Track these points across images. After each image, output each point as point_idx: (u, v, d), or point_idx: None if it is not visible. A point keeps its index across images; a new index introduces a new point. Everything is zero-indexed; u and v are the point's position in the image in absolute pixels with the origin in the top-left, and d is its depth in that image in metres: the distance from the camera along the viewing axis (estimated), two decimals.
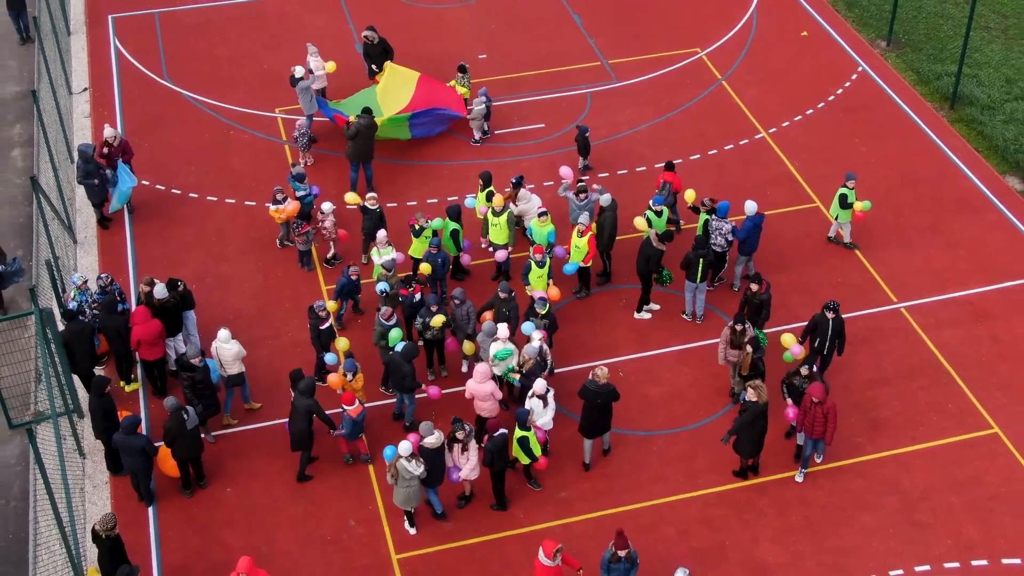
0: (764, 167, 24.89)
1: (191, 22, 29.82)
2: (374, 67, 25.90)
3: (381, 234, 20.81)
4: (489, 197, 21.79)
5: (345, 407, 17.97)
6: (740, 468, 18.61)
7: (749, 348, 18.81)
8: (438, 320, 19.26)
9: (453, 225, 21.25)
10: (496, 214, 21.34)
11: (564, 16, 29.97)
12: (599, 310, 21.63)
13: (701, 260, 20.37)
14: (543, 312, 19.42)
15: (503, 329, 18.72)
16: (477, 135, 25.49)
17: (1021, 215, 23.69)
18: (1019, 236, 23.21)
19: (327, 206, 21.95)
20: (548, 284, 20.50)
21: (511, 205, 21.81)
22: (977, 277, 22.25)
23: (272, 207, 22.13)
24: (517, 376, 18.72)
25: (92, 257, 22.83)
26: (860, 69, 27.94)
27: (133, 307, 20.09)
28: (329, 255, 22.51)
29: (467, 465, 17.50)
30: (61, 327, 19.24)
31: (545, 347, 18.95)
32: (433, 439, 17.09)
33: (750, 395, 17.67)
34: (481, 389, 18.15)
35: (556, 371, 20.14)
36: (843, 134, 25.86)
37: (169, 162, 25.14)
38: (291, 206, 22.02)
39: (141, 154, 24.83)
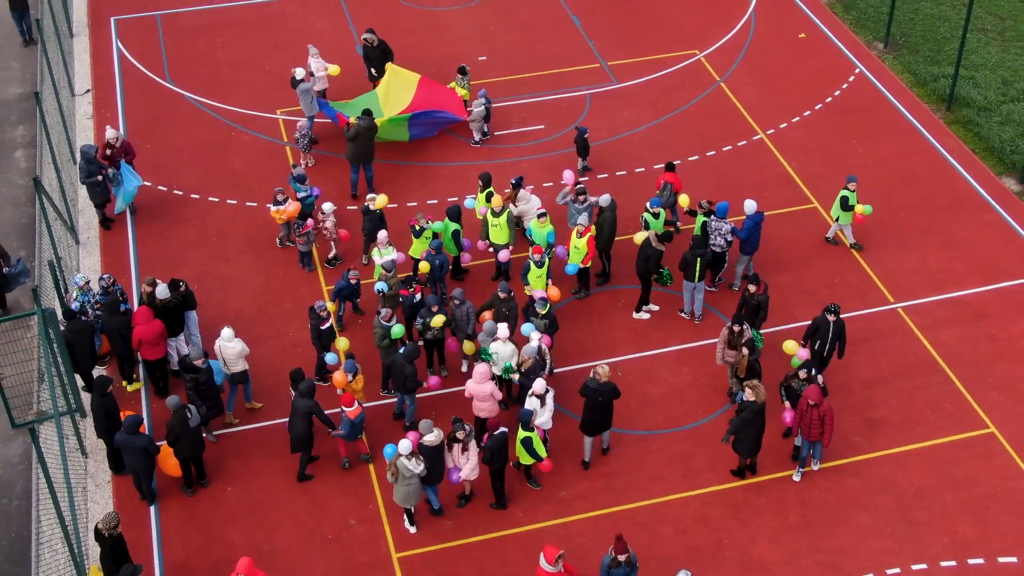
0: (762, 168, 24.90)
1: (193, 24, 29.84)
2: (374, 70, 25.91)
3: (382, 234, 20.82)
4: (489, 198, 21.79)
5: (344, 408, 17.97)
6: (738, 467, 18.62)
7: (745, 351, 18.80)
8: (438, 320, 19.27)
9: (454, 226, 21.26)
10: (495, 214, 21.34)
11: (563, 18, 29.98)
12: (598, 310, 21.64)
13: (698, 260, 20.38)
14: (543, 312, 19.42)
15: (503, 329, 18.73)
16: (477, 136, 25.50)
17: (1017, 215, 23.69)
18: (1015, 236, 23.22)
19: (328, 206, 21.96)
20: (547, 284, 20.50)
21: (510, 206, 21.82)
22: (974, 277, 22.25)
23: (273, 208, 22.13)
24: (516, 376, 18.73)
25: (94, 258, 22.84)
26: (857, 71, 27.95)
27: (135, 307, 20.10)
28: (330, 255, 22.52)
29: (467, 465, 17.51)
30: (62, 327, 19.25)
31: (544, 347, 18.95)
32: (432, 437, 17.10)
33: (748, 395, 17.67)
34: (480, 390, 18.16)
35: (556, 371, 20.15)
36: (841, 135, 25.87)
37: (171, 163, 25.15)
38: (292, 207, 22.03)
39: (143, 155, 24.84)
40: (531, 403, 18.01)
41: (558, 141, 25.64)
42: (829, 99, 27.02)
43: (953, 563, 17.43)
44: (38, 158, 25.48)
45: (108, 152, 23.03)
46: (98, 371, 20.31)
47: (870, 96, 27.11)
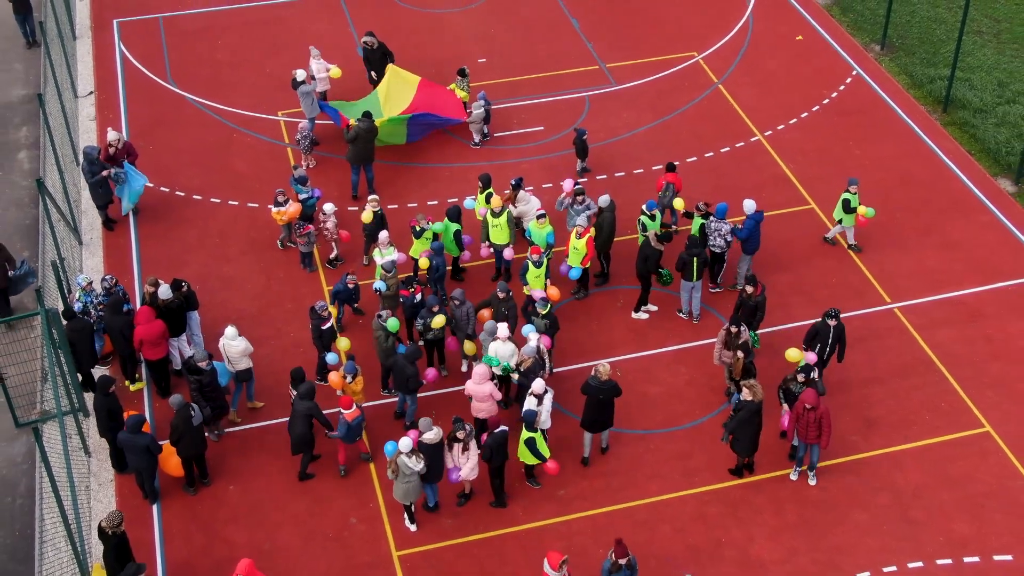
0: (760, 169, 24.91)
1: (195, 26, 29.84)
2: (374, 73, 25.91)
3: (383, 235, 20.83)
4: (488, 199, 21.80)
5: (342, 411, 17.95)
6: (736, 466, 18.62)
7: (740, 354, 18.77)
8: (439, 321, 19.28)
9: (455, 226, 21.26)
10: (495, 215, 21.35)
11: (563, 21, 29.98)
12: (597, 310, 21.64)
13: (695, 259, 20.40)
14: (544, 312, 19.44)
15: (503, 329, 18.74)
16: (477, 138, 25.50)
17: (1013, 216, 23.70)
18: (1011, 237, 23.23)
19: (329, 207, 21.96)
20: (546, 284, 20.51)
21: (510, 207, 21.83)
22: (970, 278, 22.26)
23: (274, 209, 22.13)
24: (515, 376, 18.73)
25: (97, 258, 22.84)
26: (854, 73, 27.96)
27: (137, 308, 20.09)
28: (331, 256, 22.53)
29: (467, 465, 17.51)
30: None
31: (543, 347, 18.96)
32: (432, 435, 17.12)
33: (745, 394, 17.67)
34: (480, 390, 18.17)
35: (555, 371, 20.16)
36: (838, 137, 25.88)
37: (173, 164, 25.16)
38: (292, 208, 22.04)
39: (145, 157, 24.84)
40: (529, 403, 18.02)
41: (557, 142, 25.64)
42: (826, 101, 27.03)
43: (949, 561, 17.44)
44: (41, 159, 25.48)
45: (111, 152, 23.04)
46: (101, 371, 20.33)
47: (867, 98, 27.12)
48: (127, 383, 19.99)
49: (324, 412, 18.35)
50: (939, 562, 17.42)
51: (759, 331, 20.30)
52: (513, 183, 22.13)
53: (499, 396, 18.48)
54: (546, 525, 17.97)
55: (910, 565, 17.38)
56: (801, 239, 23.13)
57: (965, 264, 22.56)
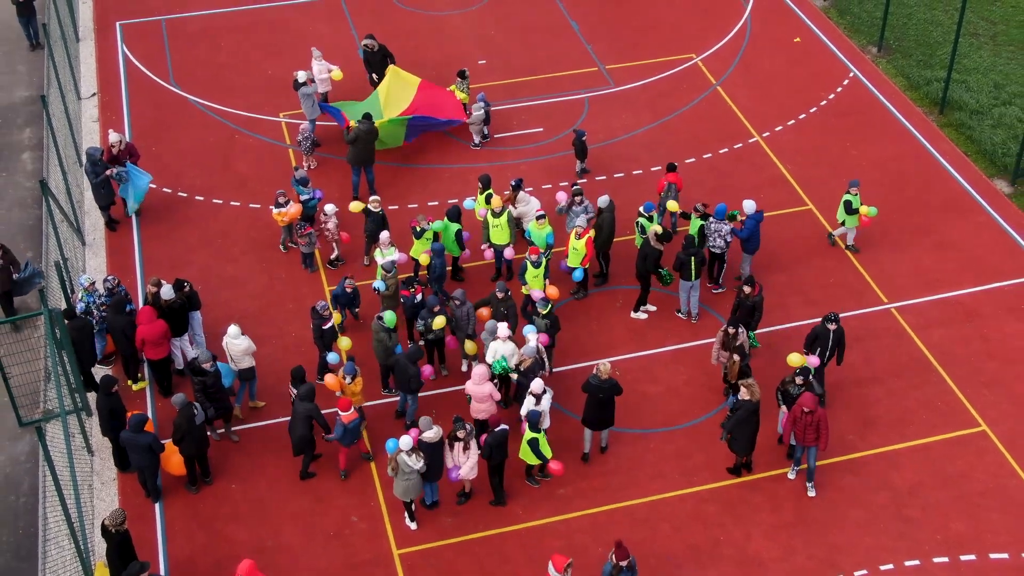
0: (758, 170, 24.90)
1: (197, 29, 29.83)
2: (374, 75, 25.92)
3: (384, 235, 20.83)
4: (488, 200, 21.81)
5: (339, 412, 17.93)
6: (734, 465, 18.61)
7: (736, 357, 18.73)
8: (440, 322, 19.28)
9: (455, 226, 21.26)
10: (495, 215, 21.36)
11: (562, 23, 29.97)
12: (596, 310, 21.63)
13: (693, 259, 20.39)
14: (544, 312, 19.43)
15: (503, 328, 18.73)
16: (477, 139, 25.50)
17: (1009, 217, 23.69)
18: (1007, 237, 23.22)
19: (330, 208, 21.96)
20: (545, 284, 20.50)
21: (510, 207, 21.82)
22: (966, 278, 22.25)
23: (275, 210, 22.13)
24: (515, 375, 18.73)
25: (100, 259, 22.83)
26: (851, 75, 27.95)
27: (140, 308, 20.09)
28: (332, 256, 22.52)
29: (466, 464, 17.50)
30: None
31: (541, 347, 18.95)
32: (432, 434, 17.11)
33: (743, 393, 17.66)
34: (479, 391, 18.16)
35: (555, 370, 20.15)
36: (835, 138, 25.87)
37: (175, 165, 25.15)
38: (293, 209, 22.04)
39: (148, 158, 24.83)
40: (528, 403, 18.02)
41: (557, 144, 25.63)
42: (824, 102, 27.02)
43: (946, 559, 17.43)
44: (45, 160, 25.47)
45: (114, 153, 23.03)
46: (103, 371, 20.33)
47: (864, 99, 27.11)
48: (129, 383, 19.98)
49: (325, 412, 18.34)
50: (936, 560, 17.41)
51: (757, 331, 20.28)
52: (513, 184, 22.13)
53: (498, 396, 18.47)
54: (546, 524, 17.96)
55: (907, 563, 17.38)
56: (799, 240, 23.12)
57: (962, 264, 22.55)
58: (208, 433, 18.40)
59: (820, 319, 19.20)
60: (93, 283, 19.94)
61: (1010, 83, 27.55)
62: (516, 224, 21.96)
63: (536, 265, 20.37)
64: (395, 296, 20.26)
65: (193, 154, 25.53)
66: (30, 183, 24.82)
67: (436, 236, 21.41)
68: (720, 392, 19.88)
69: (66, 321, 18.83)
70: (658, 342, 20.97)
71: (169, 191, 24.43)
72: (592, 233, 20.98)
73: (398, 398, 19.57)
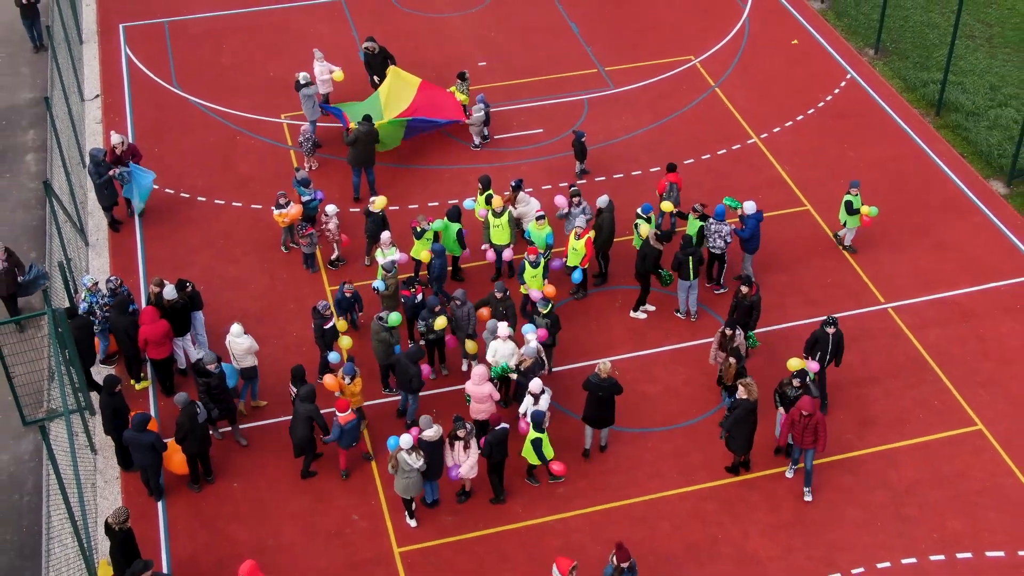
0: (756, 171, 24.89)
1: (199, 31, 29.82)
2: (375, 78, 25.92)
3: (385, 235, 20.82)
4: (488, 200, 21.80)
5: (337, 413, 17.91)
6: (732, 464, 18.60)
7: (732, 360, 18.67)
8: (441, 322, 19.27)
9: (456, 226, 21.25)
10: (496, 215, 21.36)
11: (562, 25, 29.96)
12: (595, 310, 21.62)
13: (690, 259, 20.39)
14: (545, 311, 19.43)
15: (503, 328, 18.72)
16: (477, 140, 25.49)
17: (1005, 218, 23.68)
18: (1003, 238, 23.21)
19: (331, 209, 21.94)
20: (544, 284, 20.49)
21: (510, 207, 21.81)
22: (962, 278, 22.24)
23: (275, 211, 22.12)
24: (515, 376, 18.72)
25: (103, 259, 22.82)
26: (849, 76, 27.94)
27: (142, 308, 20.08)
28: (333, 257, 22.51)
29: (467, 463, 17.49)
30: None
31: (541, 347, 18.95)
32: (432, 433, 17.11)
33: (740, 392, 17.66)
34: (479, 391, 18.15)
35: (554, 370, 20.14)
36: (832, 139, 25.86)
37: (178, 166, 25.14)
38: (294, 210, 22.04)
39: (151, 159, 24.82)
40: (527, 402, 18.01)
41: (556, 145, 25.62)
42: (821, 104, 27.01)
43: (942, 557, 17.42)
44: (48, 162, 25.46)
45: (118, 154, 23.03)
46: (106, 370, 20.32)
47: (861, 101, 27.10)
48: (132, 382, 19.97)
49: (325, 412, 18.33)
50: (932, 558, 17.40)
51: (756, 331, 20.26)
52: (513, 185, 22.12)
53: (498, 396, 18.46)
54: (545, 522, 17.95)
55: (904, 561, 17.37)
56: (797, 240, 23.11)
57: (958, 265, 22.54)
58: (210, 432, 18.39)
59: (819, 323, 19.16)
60: (96, 283, 19.93)
61: (1006, 85, 27.53)
62: (516, 224, 21.95)
63: (534, 265, 20.36)
64: (395, 296, 20.25)
65: (195, 155, 25.52)
66: (34, 184, 24.81)
67: (436, 236, 21.40)
68: (718, 392, 19.85)
69: (69, 320, 18.81)
70: (657, 342, 20.96)
71: (171, 192, 24.42)
72: (592, 234, 20.96)
73: (398, 397, 19.57)
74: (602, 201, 21.45)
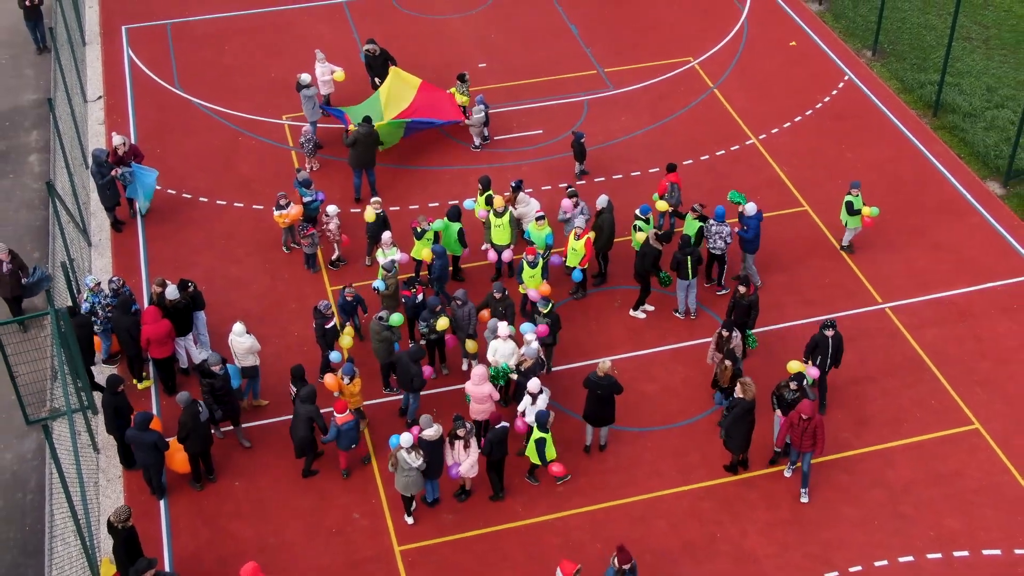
0: (754, 172, 24.89)
1: (201, 32, 29.83)
2: (376, 80, 25.93)
3: (386, 235, 20.83)
4: (488, 201, 21.81)
5: (335, 414, 17.91)
6: (730, 463, 18.60)
7: (728, 363, 18.64)
8: (443, 323, 19.28)
9: (457, 225, 21.26)
10: (498, 215, 21.37)
11: (561, 27, 29.96)
12: (594, 310, 21.62)
13: (689, 258, 20.39)
14: (545, 311, 19.45)
15: (503, 328, 18.73)
16: (477, 141, 25.49)
17: (1001, 218, 23.68)
18: (999, 239, 23.21)
19: (332, 209, 21.95)
20: (542, 283, 20.52)
21: (511, 208, 21.82)
22: (959, 278, 22.24)
23: (276, 212, 22.13)
24: (515, 376, 18.73)
25: (106, 259, 22.83)
26: (846, 78, 27.94)
27: (145, 308, 20.09)
28: (333, 257, 22.51)
29: (466, 462, 17.49)
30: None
31: (540, 347, 18.96)
32: (432, 432, 17.11)
33: (737, 391, 17.66)
34: (479, 391, 18.15)
35: (554, 369, 20.15)
36: (830, 140, 25.86)
37: (180, 167, 25.14)
38: (294, 210, 22.05)
39: (153, 160, 24.83)
40: (525, 402, 18.01)
41: (556, 146, 25.62)
42: (819, 105, 27.01)
43: (939, 555, 17.43)
44: (51, 162, 25.47)
45: (120, 154, 23.03)
46: (109, 370, 20.34)
47: (859, 102, 27.10)
48: (134, 381, 19.98)
49: (325, 412, 18.33)
50: (929, 556, 17.41)
51: (755, 330, 20.27)
52: (513, 185, 22.12)
53: (497, 397, 18.46)
54: (544, 521, 17.96)
55: (901, 559, 17.37)
56: (794, 240, 23.11)
57: (955, 265, 22.54)
58: (212, 431, 18.40)
59: (817, 323, 19.17)
60: (99, 283, 19.94)
61: (1002, 86, 27.54)
62: (516, 225, 21.96)
63: (532, 265, 20.38)
64: (395, 296, 20.25)
65: (197, 156, 25.53)
66: (37, 185, 24.82)
67: (436, 237, 21.41)
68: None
69: (70, 319, 18.83)
70: (656, 341, 20.97)
71: (174, 192, 24.42)
72: (592, 235, 20.95)
73: (399, 397, 19.57)
74: (601, 201, 21.45)
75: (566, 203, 21.72)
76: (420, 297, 19.97)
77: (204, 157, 25.49)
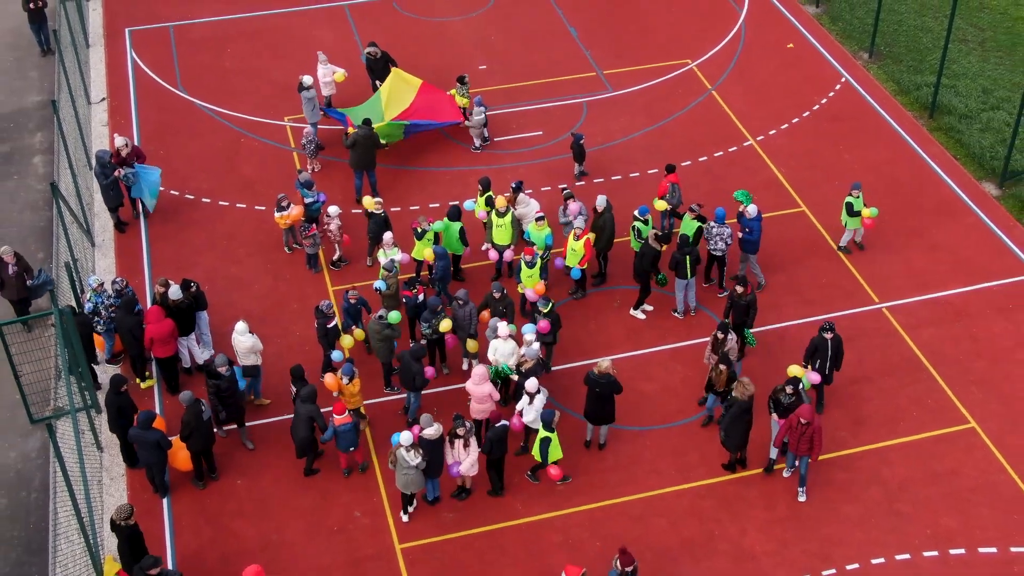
0: (752, 173, 24.87)
1: (204, 35, 29.81)
2: (378, 82, 25.93)
3: (388, 236, 20.83)
4: (488, 202, 21.80)
5: (334, 415, 17.87)
6: (729, 462, 18.58)
7: (722, 367, 18.56)
8: (446, 325, 19.27)
9: (458, 224, 21.25)
10: (500, 215, 21.37)
11: (561, 29, 29.95)
12: (594, 310, 21.61)
13: (688, 258, 20.38)
14: (546, 310, 19.44)
15: (504, 327, 18.71)
16: (477, 142, 25.48)
17: (997, 219, 23.67)
18: (995, 239, 23.20)
19: (333, 209, 21.93)
20: (540, 283, 20.52)
21: (512, 208, 21.82)
22: (955, 278, 22.23)
23: (277, 214, 22.11)
24: (516, 376, 18.71)
25: (109, 259, 22.81)
26: (843, 80, 27.92)
27: (147, 308, 20.08)
28: (335, 257, 22.50)
29: (467, 461, 17.48)
30: None
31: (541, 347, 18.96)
32: (432, 431, 17.09)
33: (735, 391, 17.63)
34: (479, 391, 18.13)
35: (553, 368, 20.13)
36: (827, 142, 25.84)
37: (182, 168, 25.12)
38: (294, 211, 22.04)
39: (156, 161, 24.80)
40: (522, 401, 17.99)
41: (556, 147, 25.61)
42: (816, 107, 27.00)
43: (935, 553, 17.41)
44: (55, 164, 25.46)
45: (123, 156, 23.02)
46: (112, 370, 20.32)
47: (856, 104, 27.09)
48: (137, 380, 19.97)
49: (326, 412, 18.31)
50: (926, 554, 17.40)
51: (754, 330, 20.26)
52: (513, 186, 22.11)
53: (498, 397, 18.45)
54: (544, 519, 17.94)
55: (898, 557, 17.36)
56: (792, 241, 23.09)
57: (951, 265, 22.52)
58: (215, 430, 18.38)
59: (815, 323, 19.15)
60: (102, 284, 19.93)
61: (998, 88, 27.52)
62: (516, 225, 21.94)
63: (530, 265, 20.37)
64: (396, 296, 20.24)
65: (200, 157, 25.51)
66: (41, 186, 24.80)
67: (437, 237, 21.40)
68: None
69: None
70: (655, 341, 20.95)
71: (176, 193, 24.41)
72: (592, 235, 20.92)
73: (400, 396, 19.55)
74: (600, 202, 21.43)
75: (573, 206, 21.63)
76: (421, 297, 19.95)
77: (206, 158, 25.48)
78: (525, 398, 18.01)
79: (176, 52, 29.12)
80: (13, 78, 28.53)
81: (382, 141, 24.18)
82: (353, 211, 23.64)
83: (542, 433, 17.51)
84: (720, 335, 18.80)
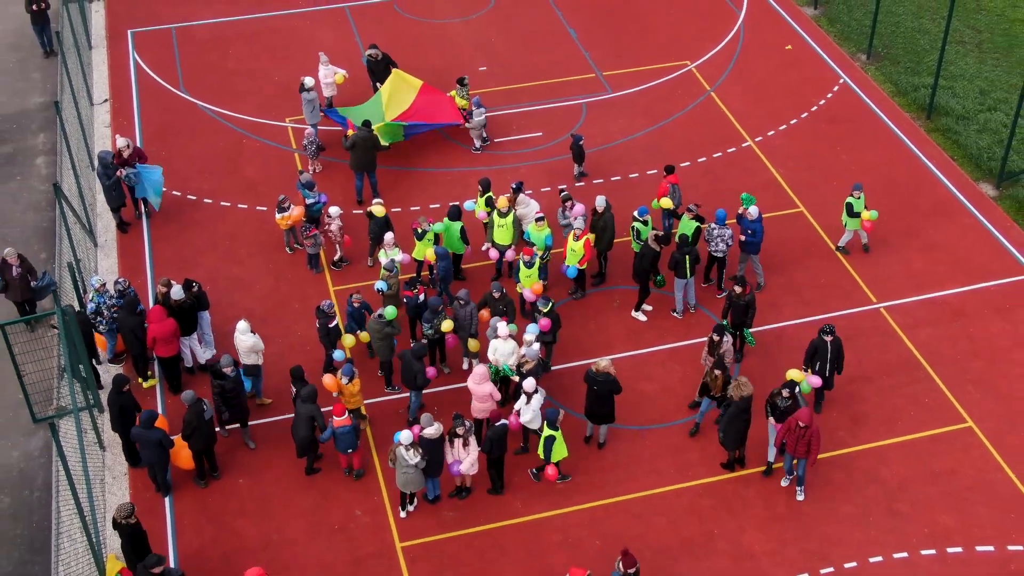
0: (751, 174, 24.85)
1: (206, 36, 29.79)
2: (378, 84, 25.91)
3: (388, 236, 20.81)
4: (488, 202, 21.78)
5: (333, 416, 17.84)
6: (728, 461, 18.56)
7: (717, 372, 18.44)
8: (448, 325, 19.24)
9: (459, 224, 21.23)
10: (502, 215, 21.35)
11: (561, 30, 29.93)
12: (593, 310, 21.59)
13: (687, 257, 20.36)
14: (546, 310, 19.42)
15: (503, 327, 18.69)
16: (477, 143, 25.46)
17: (994, 219, 23.65)
18: (992, 239, 23.18)
19: (334, 210, 21.91)
20: (541, 283, 20.50)
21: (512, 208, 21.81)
22: (952, 278, 22.21)
23: (278, 215, 22.09)
24: (515, 378, 18.70)
25: (112, 260, 22.79)
26: (841, 81, 27.90)
27: (150, 308, 20.06)
28: (336, 258, 22.48)
29: (467, 460, 17.46)
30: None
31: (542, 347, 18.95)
32: (432, 431, 17.07)
33: (731, 391, 17.60)
34: (480, 390, 18.11)
35: (553, 368, 20.11)
36: (825, 143, 25.82)
37: (184, 169, 25.11)
38: (295, 212, 22.02)
39: (158, 162, 24.76)
40: (520, 400, 17.97)
41: (555, 148, 25.59)
42: (814, 108, 26.98)
43: (933, 552, 17.39)
44: (58, 164, 25.44)
45: (125, 156, 23.00)
46: (115, 369, 20.30)
47: (853, 105, 27.07)
48: (139, 380, 19.95)
49: (326, 412, 18.29)
50: (924, 553, 17.38)
51: (753, 330, 20.24)
52: (513, 187, 22.09)
53: (498, 396, 18.43)
54: (544, 518, 17.92)
55: (896, 556, 17.34)
56: (791, 241, 23.07)
57: (948, 265, 22.51)
58: (216, 429, 18.35)
59: (813, 323, 19.11)
60: (104, 284, 19.91)
61: (995, 89, 27.50)
62: (517, 225, 21.92)
63: (529, 265, 20.36)
64: (397, 296, 20.22)
65: (202, 158, 25.49)
66: (44, 187, 24.78)
67: (437, 238, 21.38)
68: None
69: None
70: (654, 341, 20.93)
71: (178, 194, 24.39)
72: (592, 236, 20.90)
73: (402, 395, 19.52)
74: (600, 202, 21.40)
75: (579, 208, 21.57)
76: (422, 297, 19.93)
77: (208, 159, 25.46)
78: (523, 398, 17.99)
79: (178, 53, 29.10)
80: (16, 79, 28.51)
81: (384, 142, 24.17)
82: (354, 212, 23.62)
83: (546, 432, 17.49)
84: (716, 337, 18.74)
